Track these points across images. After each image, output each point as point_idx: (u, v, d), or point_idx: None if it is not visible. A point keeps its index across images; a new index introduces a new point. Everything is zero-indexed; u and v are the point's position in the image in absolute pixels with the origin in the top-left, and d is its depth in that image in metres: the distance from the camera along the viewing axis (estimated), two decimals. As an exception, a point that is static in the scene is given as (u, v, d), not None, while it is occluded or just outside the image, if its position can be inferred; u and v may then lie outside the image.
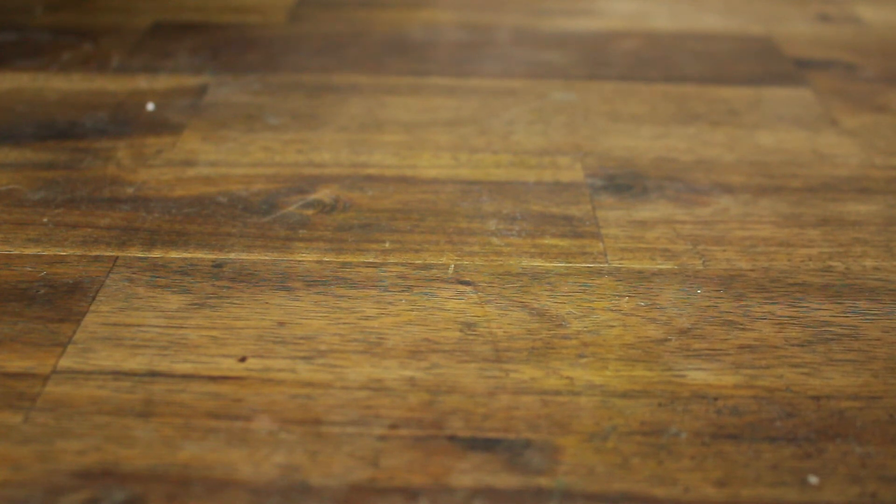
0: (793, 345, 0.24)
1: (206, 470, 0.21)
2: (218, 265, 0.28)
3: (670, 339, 0.25)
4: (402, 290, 0.26)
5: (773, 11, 0.46)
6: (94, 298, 0.26)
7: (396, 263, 0.28)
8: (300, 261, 0.28)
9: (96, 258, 0.28)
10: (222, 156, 0.34)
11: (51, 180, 0.32)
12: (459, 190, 0.31)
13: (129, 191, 0.31)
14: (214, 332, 0.25)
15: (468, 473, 0.21)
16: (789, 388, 0.23)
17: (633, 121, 0.36)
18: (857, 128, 0.36)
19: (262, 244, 0.29)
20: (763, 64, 0.42)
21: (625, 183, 0.32)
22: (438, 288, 0.27)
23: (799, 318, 0.25)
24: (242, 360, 0.24)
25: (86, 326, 0.25)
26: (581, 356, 0.24)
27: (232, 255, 0.28)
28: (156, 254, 0.28)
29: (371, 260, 0.28)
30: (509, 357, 0.24)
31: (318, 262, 0.28)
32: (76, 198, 0.31)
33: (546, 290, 0.26)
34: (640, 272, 0.27)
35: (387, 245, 0.29)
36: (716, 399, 0.23)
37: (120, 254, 0.28)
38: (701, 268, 0.27)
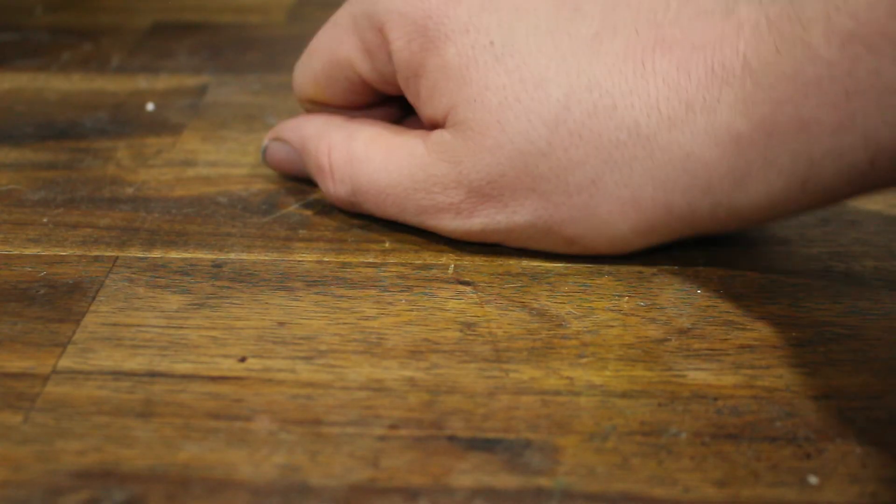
0: (793, 345, 0.24)
1: (206, 470, 0.21)
2: (218, 265, 0.28)
3: (670, 339, 0.25)
4: (402, 290, 0.26)
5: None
6: (94, 298, 0.26)
7: (396, 263, 0.28)
8: (300, 261, 0.28)
9: (96, 258, 0.28)
10: (222, 156, 0.34)
11: (51, 180, 0.32)
12: (459, 190, 0.31)
13: (129, 191, 0.31)
14: (214, 332, 0.25)
15: (468, 473, 0.21)
16: (789, 387, 0.23)
17: (633, 121, 0.36)
18: (857, 128, 0.36)
19: (262, 244, 0.29)
20: (763, 64, 0.42)
21: (625, 183, 0.32)
22: (438, 288, 0.27)
23: (799, 317, 0.25)
24: (242, 360, 0.24)
25: (86, 326, 0.25)
26: (581, 356, 0.24)
27: (232, 255, 0.28)
28: (156, 254, 0.28)
29: (371, 260, 0.28)
30: (509, 357, 0.24)
31: (318, 262, 0.28)
32: (76, 198, 0.31)
33: (546, 290, 0.26)
34: (639, 272, 0.27)
35: (387, 245, 0.29)
36: (716, 399, 0.23)
37: (120, 254, 0.28)
38: (701, 268, 0.27)
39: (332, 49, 0.29)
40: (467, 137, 0.26)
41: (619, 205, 0.25)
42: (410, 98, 0.28)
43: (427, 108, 0.27)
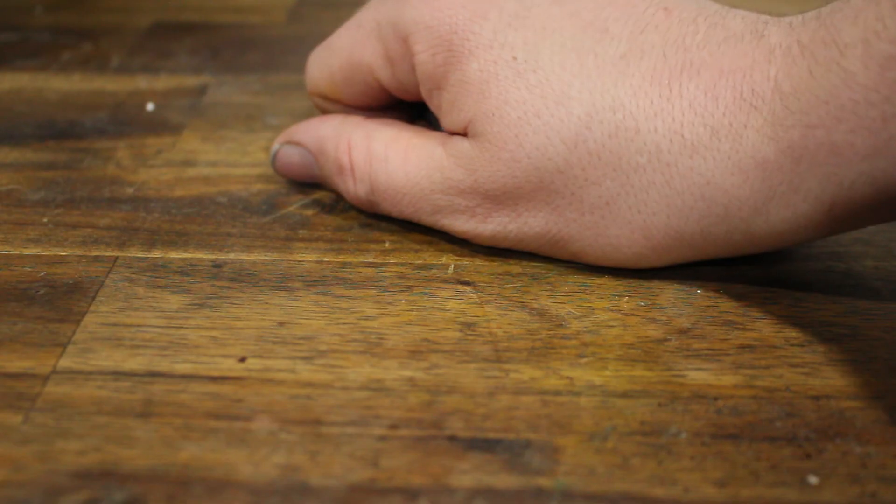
0: (793, 345, 0.25)
1: (206, 470, 0.21)
2: (218, 265, 0.28)
3: (670, 339, 0.25)
4: (402, 290, 0.26)
5: (772, 11, 0.47)
6: (93, 298, 0.26)
7: (396, 263, 0.28)
8: (300, 261, 0.28)
9: (96, 258, 0.28)
10: (222, 156, 0.34)
11: (51, 180, 0.32)
12: (459, 190, 0.31)
13: (129, 191, 0.31)
14: (214, 333, 0.25)
15: (468, 473, 0.21)
16: (789, 387, 0.23)
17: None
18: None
19: (262, 244, 0.29)
20: (763, 64, 0.42)
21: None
22: (438, 288, 0.27)
23: (799, 317, 0.25)
24: (242, 360, 0.24)
25: (85, 326, 0.25)
26: (581, 356, 0.24)
27: (232, 256, 0.28)
28: (156, 254, 0.28)
29: (371, 260, 0.28)
30: (509, 357, 0.24)
31: (317, 262, 0.28)
32: (76, 198, 0.31)
33: (546, 290, 0.26)
34: (639, 271, 0.27)
35: (387, 245, 0.29)
36: (716, 399, 0.23)
37: (120, 254, 0.28)
38: (701, 268, 0.27)
39: (352, 51, 0.29)
40: (484, 149, 0.26)
41: (629, 230, 0.25)
42: (433, 108, 0.28)
43: (447, 119, 0.27)
